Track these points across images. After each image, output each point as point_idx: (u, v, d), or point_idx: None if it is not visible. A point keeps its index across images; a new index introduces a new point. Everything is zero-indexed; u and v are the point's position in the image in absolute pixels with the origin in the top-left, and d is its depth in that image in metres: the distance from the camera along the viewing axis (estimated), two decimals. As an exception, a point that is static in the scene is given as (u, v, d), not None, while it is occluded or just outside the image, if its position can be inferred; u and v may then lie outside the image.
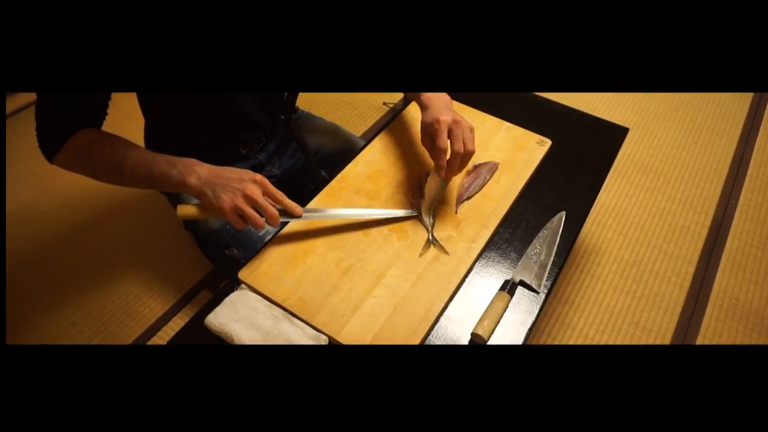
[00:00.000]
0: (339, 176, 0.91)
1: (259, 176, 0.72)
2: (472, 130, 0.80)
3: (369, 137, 1.06)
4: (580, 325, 1.26)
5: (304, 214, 0.76)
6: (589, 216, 1.09)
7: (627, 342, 1.24)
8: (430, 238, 0.80)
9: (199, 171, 0.73)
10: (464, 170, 0.91)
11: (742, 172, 1.65)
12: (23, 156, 1.65)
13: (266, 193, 0.72)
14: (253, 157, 1.06)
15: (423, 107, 0.85)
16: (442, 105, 0.83)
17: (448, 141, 0.77)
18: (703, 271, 1.38)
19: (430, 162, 0.92)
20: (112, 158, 0.75)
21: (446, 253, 0.79)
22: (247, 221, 0.71)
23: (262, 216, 0.71)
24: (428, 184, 0.83)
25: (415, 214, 0.83)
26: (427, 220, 0.82)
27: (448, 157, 0.78)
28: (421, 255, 0.78)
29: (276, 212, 0.72)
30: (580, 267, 1.38)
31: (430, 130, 0.80)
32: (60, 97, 0.74)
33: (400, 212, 0.84)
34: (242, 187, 0.70)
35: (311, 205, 0.86)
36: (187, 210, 0.74)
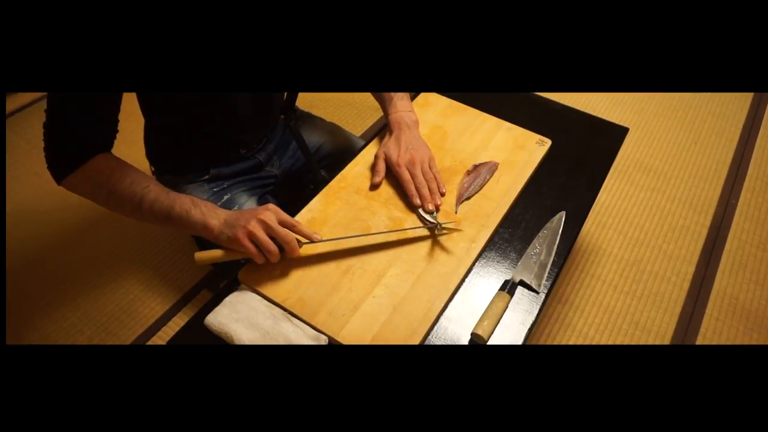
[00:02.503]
0: (339, 176, 0.91)
1: (272, 206, 0.73)
2: (431, 159, 0.88)
3: (369, 137, 1.06)
4: (580, 325, 1.26)
5: (322, 239, 0.75)
6: (589, 216, 1.09)
7: (627, 342, 1.24)
8: (437, 226, 0.79)
9: (220, 213, 0.73)
10: (464, 170, 0.91)
11: (742, 172, 1.65)
12: (23, 156, 1.65)
13: (281, 221, 0.71)
14: (252, 157, 1.06)
15: (389, 129, 0.92)
16: (405, 136, 0.89)
17: (409, 174, 0.85)
18: (703, 271, 1.38)
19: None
20: (133, 188, 0.73)
21: (459, 230, 0.79)
22: (262, 249, 0.70)
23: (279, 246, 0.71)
24: None
25: (435, 223, 0.80)
26: (430, 217, 0.82)
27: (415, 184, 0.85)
28: (421, 256, 0.78)
29: (294, 239, 0.71)
30: (580, 267, 1.38)
31: (390, 169, 0.88)
32: (71, 118, 0.72)
33: (420, 228, 0.81)
34: (256, 213, 0.70)
35: (310, 205, 0.86)
36: (205, 255, 0.73)
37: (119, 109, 0.78)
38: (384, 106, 0.96)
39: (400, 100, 0.94)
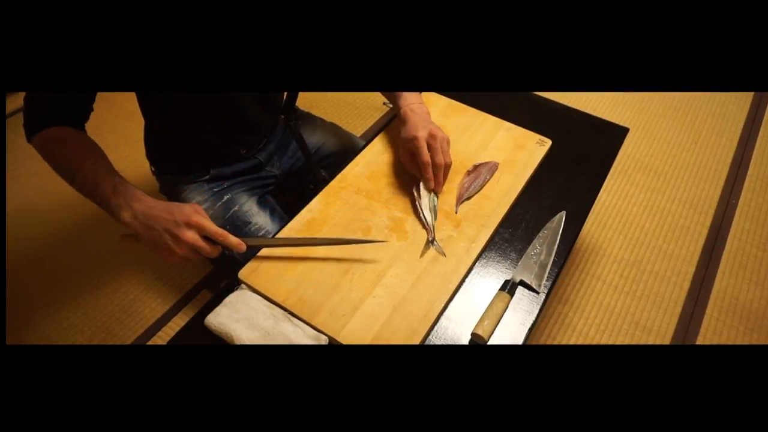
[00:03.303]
0: (339, 176, 0.91)
1: (194, 218, 0.68)
2: (448, 142, 0.85)
3: (369, 137, 1.06)
4: (580, 325, 1.26)
5: (247, 245, 0.73)
6: (589, 216, 1.09)
7: (627, 342, 1.24)
8: (431, 239, 0.80)
9: (135, 207, 0.69)
10: (464, 170, 0.91)
11: (742, 172, 1.65)
12: (23, 156, 1.65)
13: (205, 234, 0.69)
14: (252, 157, 1.06)
15: (402, 121, 0.88)
16: (420, 120, 0.86)
17: (429, 154, 0.82)
18: (703, 271, 1.38)
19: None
20: (70, 163, 0.74)
21: (444, 255, 0.79)
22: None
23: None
24: (422, 191, 0.85)
25: (430, 239, 0.80)
26: (430, 219, 0.82)
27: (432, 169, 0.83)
28: (422, 255, 0.78)
29: (216, 250, 0.71)
30: (580, 267, 1.38)
31: (410, 147, 0.84)
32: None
33: (352, 238, 0.80)
34: (179, 233, 0.67)
35: (310, 205, 0.86)
36: (130, 244, 0.72)
37: (93, 94, 0.80)
38: (394, 99, 0.93)
39: (410, 94, 0.92)
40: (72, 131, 0.78)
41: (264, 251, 0.78)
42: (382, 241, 0.80)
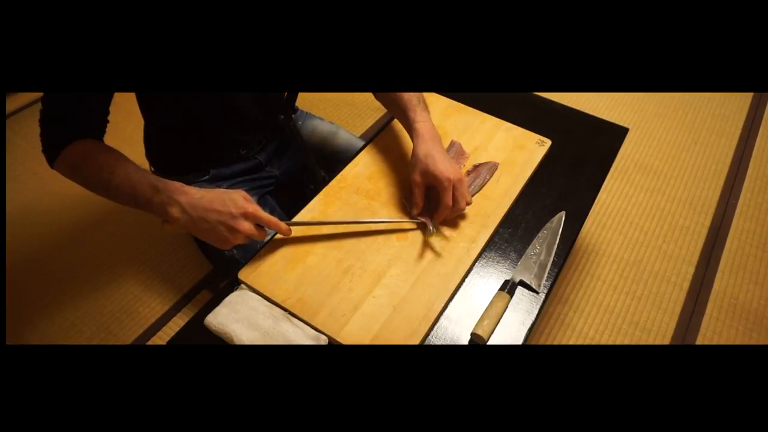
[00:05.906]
0: (339, 176, 0.91)
1: (250, 209, 0.70)
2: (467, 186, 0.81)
3: (369, 137, 1.06)
4: (579, 325, 1.26)
5: (292, 228, 0.77)
6: (589, 216, 1.09)
7: (627, 342, 1.24)
8: (431, 228, 0.79)
9: (182, 202, 0.69)
10: (464, 170, 0.91)
11: (742, 172, 1.65)
12: (23, 156, 1.65)
13: (257, 221, 0.71)
14: (252, 157, 1.06)
15: (418, 139, 0.82)
16: (437, 143, 0.81)
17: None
18: (703, 271, 1.37)
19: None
20: (101, 174, 0.73)
21: (446, 238, 0.78)
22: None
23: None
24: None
25: (409, 220, 0.82)
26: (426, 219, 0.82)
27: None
28: (421, 256, 0.78)
29: (264, 234, 0.74)
30: (580, 267, 1.38)
31: (433, 183, 0.78)
32: (61, 105, 0.74)
33: (388, 219, 0.83)
34: (236, 225, 0.68)
35: (310, 205, 0.86)
36: (173, 228, 0.73)
37: (110, 100, 0.79)
38: (406, 114, 0.86)
39: (422, 111, 0.86)
40: (94, 143, 0.77)
41: (264, 251, 0.78)
42: (419, 220, 0.81)
